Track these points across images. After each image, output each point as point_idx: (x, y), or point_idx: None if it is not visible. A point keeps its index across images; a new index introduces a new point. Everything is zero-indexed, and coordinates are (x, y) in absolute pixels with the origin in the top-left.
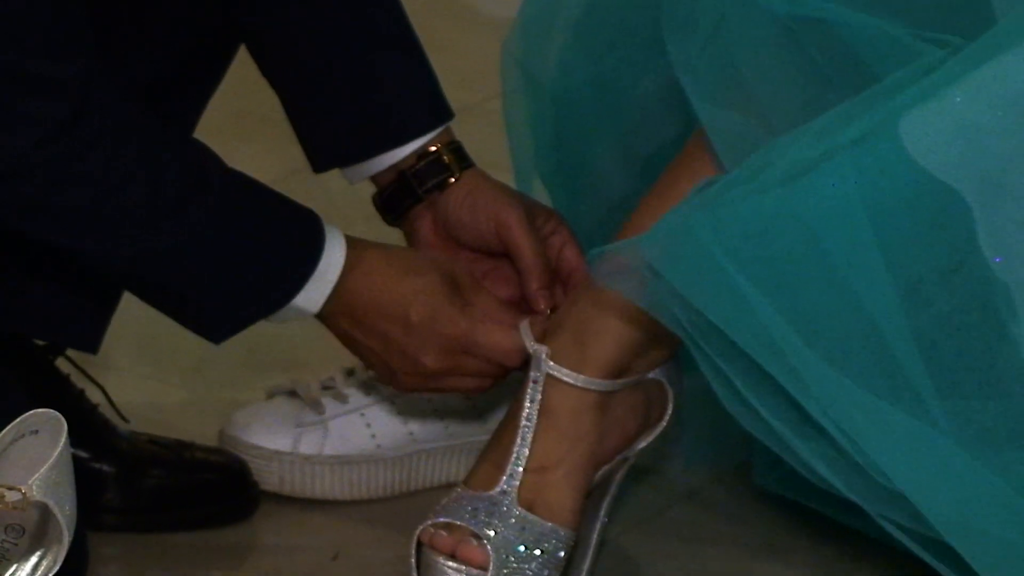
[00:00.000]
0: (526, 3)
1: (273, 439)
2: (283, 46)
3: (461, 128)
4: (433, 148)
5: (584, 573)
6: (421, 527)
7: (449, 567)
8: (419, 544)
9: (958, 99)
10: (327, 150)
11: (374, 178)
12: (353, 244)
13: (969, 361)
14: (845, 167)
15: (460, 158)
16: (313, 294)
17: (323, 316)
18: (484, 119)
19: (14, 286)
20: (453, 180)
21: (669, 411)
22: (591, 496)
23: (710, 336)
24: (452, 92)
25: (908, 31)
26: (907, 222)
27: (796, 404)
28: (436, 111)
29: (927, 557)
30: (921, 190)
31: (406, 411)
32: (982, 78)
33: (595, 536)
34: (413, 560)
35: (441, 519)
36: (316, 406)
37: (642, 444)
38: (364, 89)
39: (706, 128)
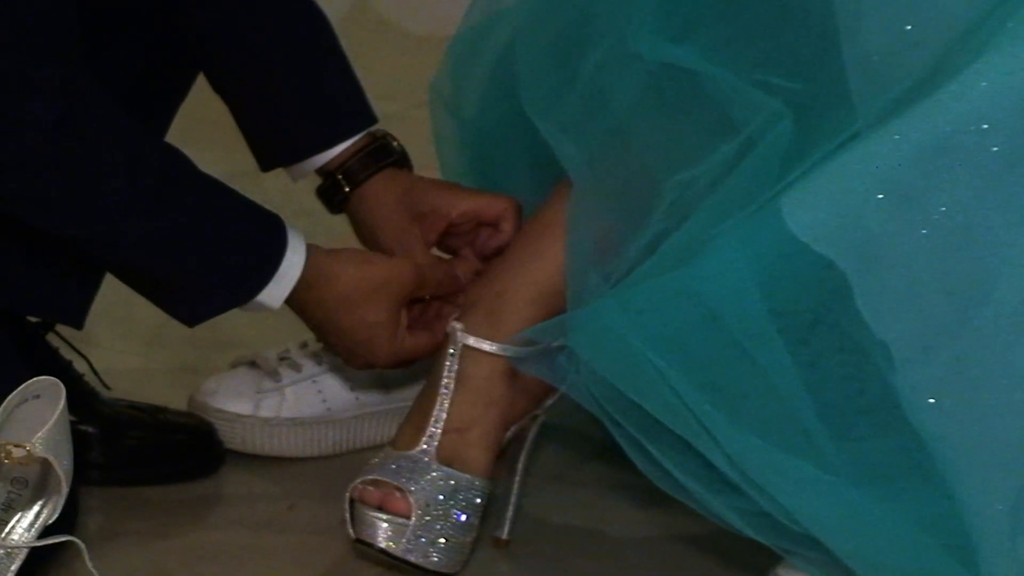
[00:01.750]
0: (450, 48)
1: (236, 404)
2: (230, 65)
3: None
4: (354, 151)
5: (508, 522)
6: (351, 485)
7: (377, 517)
8: (351, 500)
9: (833, 179)
10: (271, 152)
11: (317, 172)
12: (313, 251)
13: (859, 406)
14: (735, 246)
15: (371, 160)
16: (275, 292)
17: (296, 294)
18: (408, 126)
19: (9, 270)
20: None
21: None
22: (508, 452)
23: (624, 408)
24: (378, 102)
25: (754, 79)
26: (793, 290)
27: (707, 462)
28: (361, 117)
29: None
30: (803, 262)
31: (353, 379)
32: (854, 160)
33: (516, 488)
34: (347, 514)
35: (369, 476)
36: (274, 375)
37: (549, 403)
38: (301, 100)
39: (571, 172)
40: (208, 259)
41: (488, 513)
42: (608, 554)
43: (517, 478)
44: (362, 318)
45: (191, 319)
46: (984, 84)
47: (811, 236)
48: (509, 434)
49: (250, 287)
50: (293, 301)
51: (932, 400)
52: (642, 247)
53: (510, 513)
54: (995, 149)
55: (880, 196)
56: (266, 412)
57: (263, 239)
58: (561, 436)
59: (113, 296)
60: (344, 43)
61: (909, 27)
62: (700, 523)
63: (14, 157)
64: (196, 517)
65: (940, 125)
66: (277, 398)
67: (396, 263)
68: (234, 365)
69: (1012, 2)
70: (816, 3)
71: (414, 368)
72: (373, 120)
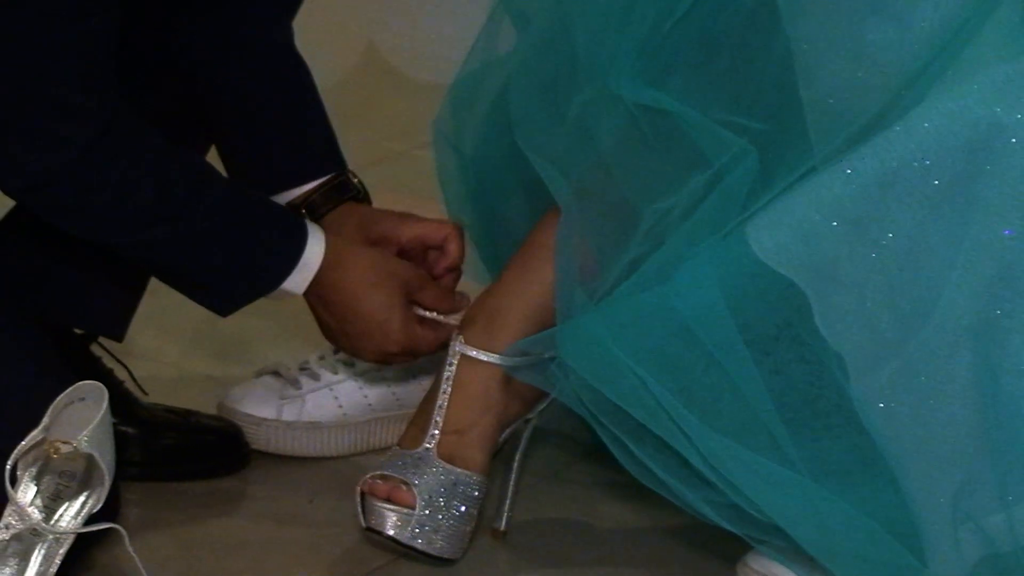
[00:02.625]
0: (451, 90)
1: (261, 409)
2: (220, 110)
3: (394, 169)
4: (317, 187)
5: (505, 514)
6: (362, 480)
7: (386, 508)
8: (362, 493)
9: (793, 208)
10: (270, 183)
11: (289, 204)
12: (332, 243)
13: (817, 410)
14: (706, 267)
15: (333, 195)
16: (298, 279)
17: (307, 296)
18: (411, 164)
19: (57, 289)
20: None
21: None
22: (504, 451)
23: (608, 412)
24: (385, 142)
25: (723, 120)
26: (758, 306)
27: (683, 460)
28: (330, 162)
29: (794, 568)
30: (767, 282)
31: (366, 387)
32: (811, 191)
33: (512, 484)
34: (359, 506)
35: (379, 471)
36: (295, 383)
37: (541, 407)
38: (280, 144)
39: (561, 203)
40: (235, 255)
41: (487, 507)
42: (596, 543)
43: (513, 475)
44: (379, 300)
45: (223, 310)
46: (926, 125)
47: (774, 259)
48: (504, 435)
49: (276, 275)
50: (315, 288)
51: (882, 405)
52: (623, 268)
53: (507, 506)
54: (936, 182)
55: (834, 223)
56: (288, 416)
57: (285, 232)
58: (553, 438)
59: (150, 311)
60: (355, 89)
61: (861, 74)
62: (679, 516)
63: (53, 172)
64: (224, 510)
65: (887, 161)
66: (298, 404)
67: (403, 260)
68: (259, 374)
69: (950, 53)
70: (778, 53)
71: (419, 377)
72: (341, 166)
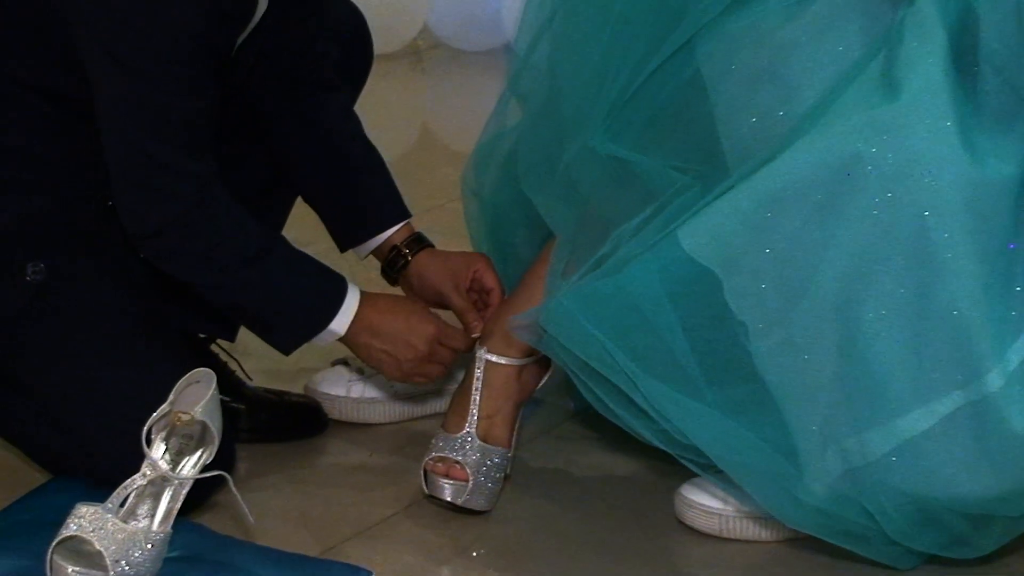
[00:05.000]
0: (474, 152)
1: (334, 389)
2: (314, 180)
3: (431, 217)
4: (396, 241)
5: (510, 466)
6: (424, 460)
7: (444, 482)
8: (425, 471)
9: (711, 217)
10: (347, 238)
11: (373, 253)
12: (367, 293)
13: (727, 363)
14: (650, 260)
15: (416, 244)
16: (342, 320)
17: (348, 336)
18: (446, 213)
19: (190, 308)
20: (409, 261)
21: (551, 370)
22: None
23: (580, 365)
24: (426, 197)
25: (668, 163)
26: (687, 289)
27: (631, 400)
28: (402, 211)
29: (706, 475)
30: (692, 269)
31: None
32: (725, 204)
33: (514, 441)
34: (422, 480)
35: (436, 453)
36: (359, 370)
37: (537, 389)
38: (365, 202)
39: (558, 233)
40: (291, 303)
41: None
42: (579, 484)
43: (515, 434)
44: (410, 315)
45: (286, 349)
46: (806, 157)
47: (697, 254)
48: (520, 415)
49: (323, 319)
50: (354, 327)
51: (771, 360)
52: (591, 265)
53: (510, 457)
54: (812, 199)
55: (740, 228)
56: (354, 394)
57: (330, 287)
58: (549, 405)
59: None
60: (412, 159)
61: (782, 112)
62: (638, 465)
63: (166, 222)
64: (308, 462)
65: (778, 183)
66: (361, 385)
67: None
68: (333, 364)
69: (825, 104)
70: (707, 112)
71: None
72: (408, 214)
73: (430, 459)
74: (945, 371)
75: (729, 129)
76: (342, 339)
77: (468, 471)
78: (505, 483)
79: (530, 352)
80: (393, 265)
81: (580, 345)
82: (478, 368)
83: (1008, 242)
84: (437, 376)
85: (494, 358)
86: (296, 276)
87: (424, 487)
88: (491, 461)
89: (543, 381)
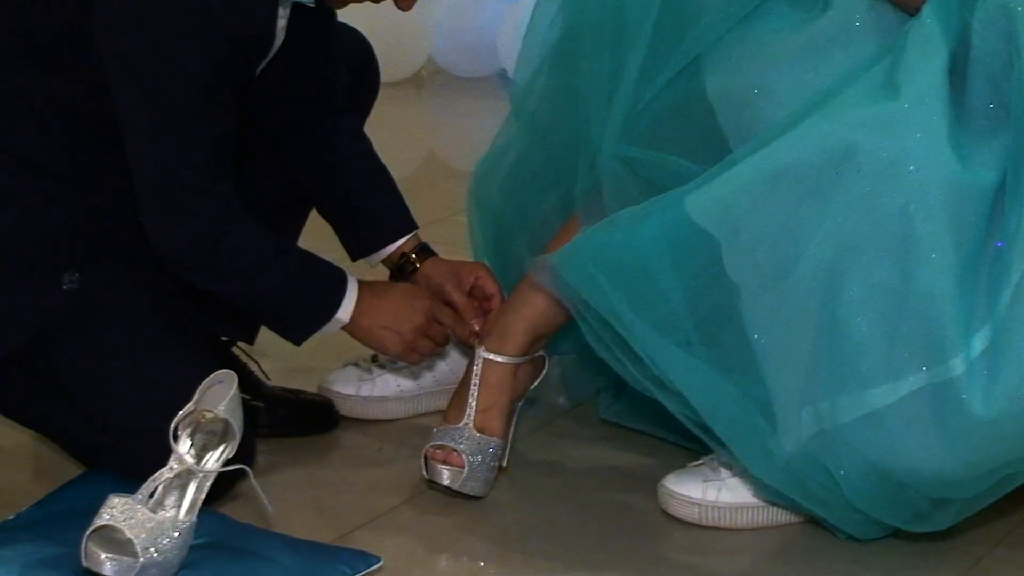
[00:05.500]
0: (478, 165)
1: (346, 388)
2: (328, 196)
3: (435, 229)
4: (405, 250)
5: (506, 458)
6: (425, 448)
7: (443, 468)
8: (426, 457)
9: (715, 188)
10: (358, 248)
11: (383, 261)
12: (363, 281)
13: (719, 321)
14: (656, 224)
15: (423, 252)
16: (346, 308)
17: (352, 322)
18: (449, 226)
19: (212, 313)
20: (418, 267)
21: (545, 370)
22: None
23: (590, 311)
24: (430, 211)
25: (678, 159)
26: (691, 249)
27: (631, 350)
28: (411, 222)
29: (696, 431)
30: (697, 234)
31: (415, 372)
32: (728, 178)
33: (511, 435)
34: (423, 466)
35: (436, 442)
36: (368, 371)
37: (531, 386)
38: (376, 214)
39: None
40: (302, 298)
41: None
42: (571, 475)
43: (510, 428)
44: (404, 292)
45: (298, 341)
46: (805, 142)
47: (701, 219)
48: (516, 409)
49: (329, 310)
50: (356, 311)
51: (760, 322)
52: (607, 221)
53: (506, 454)
54: (808, 180)
55: (741, 199)
56: (364, 393)
57: (332, 282)
58: (535, 405)
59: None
60: (417, 176)
61: (769, 111)
62: (626, 457)
63: (189, 240)
64: (321, 455)
65: (778, 162)
66: (370, 384)
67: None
68: (344, 365)
69: (832, 94)
70: (712, 118)
71: (442, 372)
72: (416, 225)
73: (430, 447)
74: (914, 352)
75: (736, 142)
76: (346, 327)
77: (464, 458)
78: (501, 473)
79: (524, 352)
80: (402, 270)
81: (587, 289)
82: (476, 365)
83: (983, 241)
84: (430, 352)
85: (491, 356)
86: (304, 276)
87: (424, 472)
88: (486, 450)
89: (537, 381)
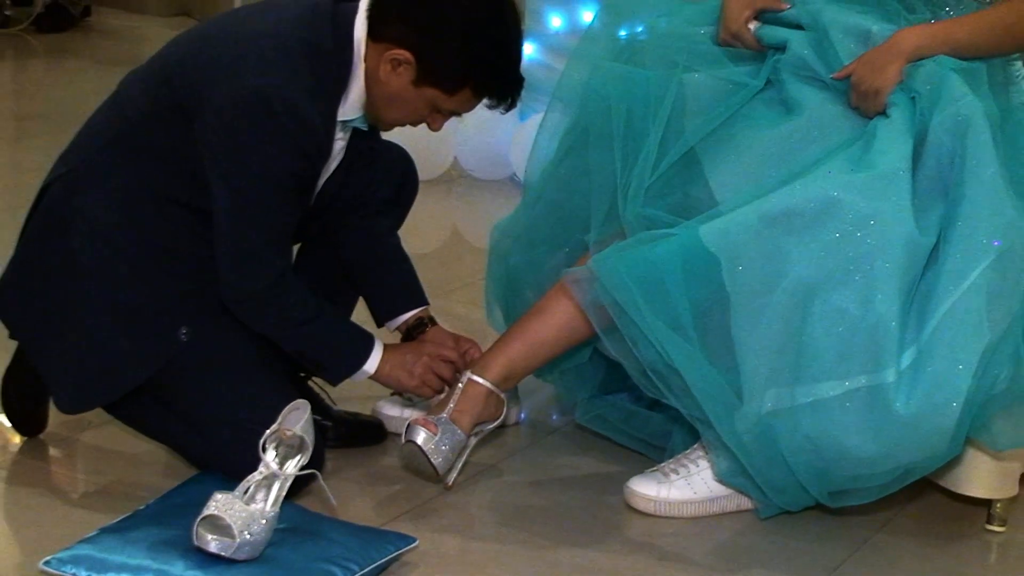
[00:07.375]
0: (497, 225)
1: (392, 411)
2: (362, 277)
3: (457, 292)
4: (418, 318)
5: (464, 458)
6: (409, 419)
7: (420, 428)
8: (408, 425)
9: (726, 223)
10: (384, 316)
11: (398, 328)
12: (387, 345)
13: (714, 327)
14: (675, 246)
15: (431, 322)
16: (373, 362)
17: (378, 371)
18: (469, 288)
19: (284, 354)
20: (425, 331)
21: (501, 418)
22: (471, 436)
23: (617, 310)
24: (455, 277)
25: (672, 220)
26: (700, 268)
27: (648, 342)
28: (423, 297)
29: (695, 423)
30: (707, 256)
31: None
32: (738, 216)
33: (461, 463)
34: (403, 431)
35: (420, 417)
36: (408, 400)
37: (489, 428)
38: (398, 291)
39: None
40: (337, 352)
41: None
42: (556, 478)
43: (468, 451)
44: (411, 349)
45: (334, 382)
46: (803, 193)
47: (710, 243)
48: (477, 427)
49: (360, 361)
50: (381, 365)
51: (743, 324)
52: (636, 238)
53: (467, 452)
54: (799, 223)
55: (744, 231)
56: (406, 415)
57: (363, 339)
58: (533, 424)
59: None
60: (444, 251)
61: (772, 172)
62: (600, 465)
63: (249, 294)
64: (375, 460)
65: (777, 208)
66: (410, 410)
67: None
68: (392, 394)
69: (823, 161)
70: (704, 187)
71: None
72: (427, 301)
73: (412, 419)
74: (860, 359)
75: (722, 189)
76: (373, 376)
77: (439, 428)
78: (465, 467)
79: (497, 382)
80: (415, 330)
81: (616, 288)
82: (461, 382)
83: (917, 286)
84: (437, 386)
85: (474, 377)
86: (338, 333)
87: (403, 436)
88: (455, 434)
89: (495, 424)
